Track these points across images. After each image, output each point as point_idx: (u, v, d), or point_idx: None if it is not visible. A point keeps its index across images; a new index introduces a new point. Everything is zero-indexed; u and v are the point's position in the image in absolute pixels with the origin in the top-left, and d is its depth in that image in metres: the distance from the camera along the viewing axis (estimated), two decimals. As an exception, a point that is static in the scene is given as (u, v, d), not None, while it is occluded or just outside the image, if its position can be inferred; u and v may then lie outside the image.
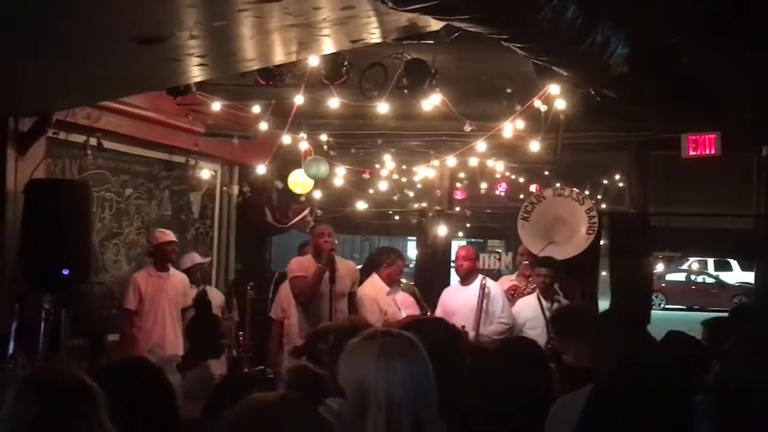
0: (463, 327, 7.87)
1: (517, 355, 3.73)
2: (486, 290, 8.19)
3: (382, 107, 7.19)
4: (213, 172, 10.29)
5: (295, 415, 2.03)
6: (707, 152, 9.44)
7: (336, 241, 7.96)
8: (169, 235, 8.49)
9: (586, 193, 10.27)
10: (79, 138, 7.81)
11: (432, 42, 6.26)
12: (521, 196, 12.00)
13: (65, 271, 6.50)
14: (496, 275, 10.26)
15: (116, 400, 2.50)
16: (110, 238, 8.69)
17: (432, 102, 6.93)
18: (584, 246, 9.41)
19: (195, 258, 8.95)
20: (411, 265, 12.30)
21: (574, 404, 3.17)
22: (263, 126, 8.65)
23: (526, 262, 9.10)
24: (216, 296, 8.21)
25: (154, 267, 8.38)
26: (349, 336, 2.65)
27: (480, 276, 8.42)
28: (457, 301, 8.36)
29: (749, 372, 2.62)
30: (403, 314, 8.19)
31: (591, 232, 9.43)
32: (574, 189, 9.80)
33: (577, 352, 4.47)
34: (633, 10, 5.47)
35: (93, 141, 7.87)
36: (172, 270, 8.44)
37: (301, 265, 7.97)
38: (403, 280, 8.98)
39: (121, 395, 2.60)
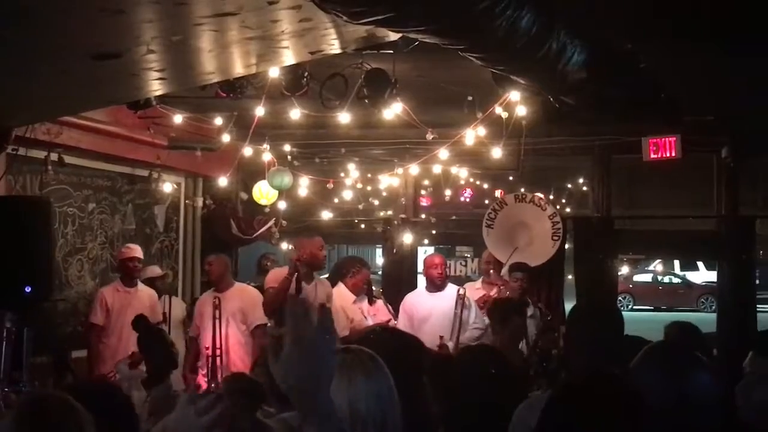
0: (441, 337, 7.88)
1: (477, 363, 3.74)
2: (466, 301, 8.19)
3: (344, 117, 7.21)
4: (176, 185, 10.24)
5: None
6: (668, 155, 9.55)
7: (309, 252, 7.88)
8: (133, 251, 8.44)
9: (550, 197, 10.33)
10: (40, 154, 7.75)
11: (391, 51, 6.29)
12: (486, 202, 12.09)
13: (27, 289, 6.42)
14: (463, 281, 10.25)
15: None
16: (73, 253, 8.62)
17: (393, 111, 6.96)
18: (552, 252, 9.47)
19: (149, 271, 8.86)
20: (378, 273, 12.34)
21: (537, 407, 3.20)
22: (226, 137, 8.65)
23: (493, 270, 9.04)
24: (178, 308, 8.18)
25: (121, 282, 8.36)
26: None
27: (450, 285, 8.43)
28: (427, 308, 8.32)
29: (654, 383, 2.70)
30: (370, 322, 8.22)
31: (556, 237, 9.49)
32: (536, 194, 9.87)
33: None
34: (588, 17, 5.52)
35: (54, 156, 7.82)
36: (140, 285, 8.40)
37: (275, 276, 7.95)
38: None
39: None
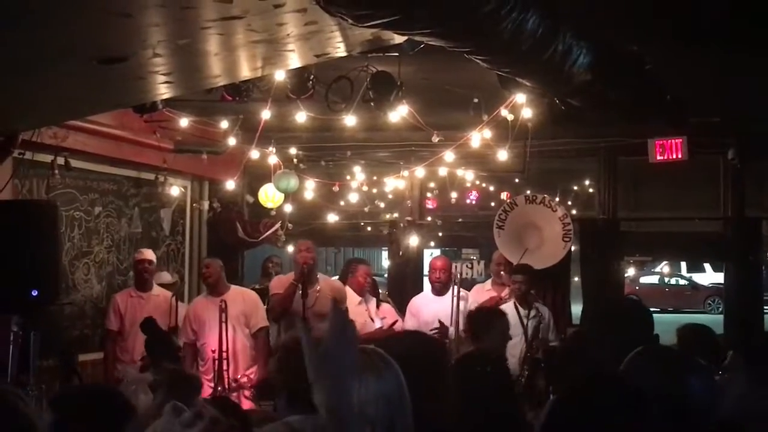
0: (440, 322, 7.89)
1: (478, 369, 3.74)
2: (463, 294, 8.21)
3: (350, 120, 7.20)
4: (183, 188, 10.24)
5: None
6: (674, 156, 9.53)
7: (312, 256, 7.90)
8: (144, 254, 8.49)
9: (557, 199, 10.30)
10: (46, 158, 7.76)
11: (397, 54, 6.29)
12: (492, 204, 12.07)
13: (34, 292, 6.43)
14: (469, 284, 10.19)
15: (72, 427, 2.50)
16: (80, 257, 8.64)
17: (399, 113, 6.97)
18: (562, 254, 9.43)
19: (159, 278, 8.85)
20: (384, 276, 12.34)
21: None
22: (232, 141, 8.66)
23: (504, 272, 8.94)
24: (184, 312, 8.19)
25: (135, 287, 8.41)
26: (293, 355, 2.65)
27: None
28: (432, 311, 8.32)
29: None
30: (378, 324, 8.23)
31: (567, 239, 9.46)
32: (546, 196, 9.83)
33: None
34: (592, 19, 5.51)
35: (60, 160, 7.81)
36: (156, 289, 8.43)
37: (280, 282, 7.99)
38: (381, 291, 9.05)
39: (76, 423, 2.60)
